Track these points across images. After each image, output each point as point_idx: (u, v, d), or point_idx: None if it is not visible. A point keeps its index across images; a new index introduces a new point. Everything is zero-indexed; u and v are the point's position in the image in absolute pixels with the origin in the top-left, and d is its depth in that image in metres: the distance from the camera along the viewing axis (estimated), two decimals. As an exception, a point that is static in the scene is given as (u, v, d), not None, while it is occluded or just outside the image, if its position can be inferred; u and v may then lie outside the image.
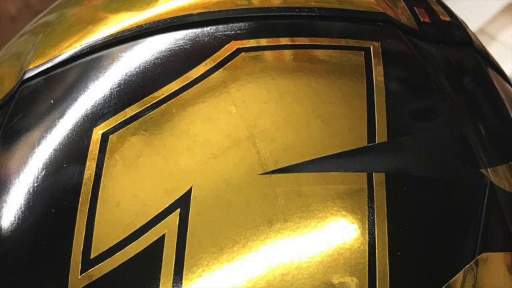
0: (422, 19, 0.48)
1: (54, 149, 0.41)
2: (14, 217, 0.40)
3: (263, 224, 0.37)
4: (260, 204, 0.38)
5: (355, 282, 0.36)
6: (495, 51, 0.60)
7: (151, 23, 0.44)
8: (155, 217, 0.38)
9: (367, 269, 0.37)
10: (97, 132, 0.41)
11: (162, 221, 0.38)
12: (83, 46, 0.44)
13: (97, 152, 0.40)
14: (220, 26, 0.43)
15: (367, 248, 0.37)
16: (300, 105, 0.41)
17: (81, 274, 0.37)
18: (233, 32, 0.43)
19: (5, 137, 0.43)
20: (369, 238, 0.37)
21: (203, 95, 0.41)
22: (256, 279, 0.36)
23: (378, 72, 0.43)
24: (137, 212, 0.38)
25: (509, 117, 0.47)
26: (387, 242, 0.37)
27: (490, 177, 0.41)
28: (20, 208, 0.40)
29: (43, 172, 0.41)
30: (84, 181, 0.39)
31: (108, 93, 0.42)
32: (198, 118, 0.40)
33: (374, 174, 0.39)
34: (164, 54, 0.43)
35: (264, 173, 0.39)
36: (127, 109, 0.41)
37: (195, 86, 0.41)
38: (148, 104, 0.41)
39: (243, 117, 0.40)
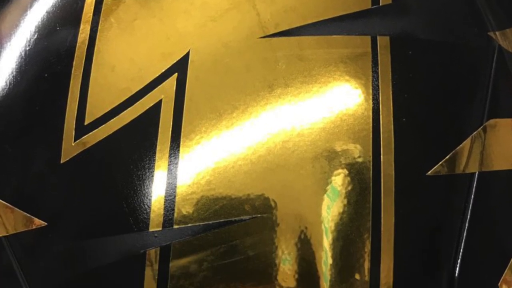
0: None
1: (47, 12, 0.38)
2: (6, 82, 0.37)
3: (264, 89, 0.34)
4: (260, 69, 0.35)
5: (359, 149, 0.34)
6: None
7: None
8: (151, 82, 0.35)
9: (371, 136, 0.34)
10: (92, -7, 0.38)
11: (159, 86, 0.35)
12: None
13: (91, 14, 0.37)
14: None
15: (371, 114, 0.34)
16: (302, -35, 0.37)
17: (74, 141, 0.35)
18: None
19: (-4, 0, 0.40)
20: (373, 103, 0.34)
21: (201, -47, 0.37)
22: (256, 146, 0.34)
23: None
24: (133, 76, 0.35)
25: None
26: (391, 108, 0.34)
27: (498, 40, 0.38)
28: (12, 72, 0.37)
29: (36, 36, 0.38)
30: (78, 44, 0.36)
31: None
32: (196, -22, 0.37)
33: (378, 37, 0.36)
34: None
35: (264, 37, 0.35)
36: (122, -32, 0.38)
37: None
38: (144, -37, 0.38)
39: (242, -23, 0.37)
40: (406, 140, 0.34)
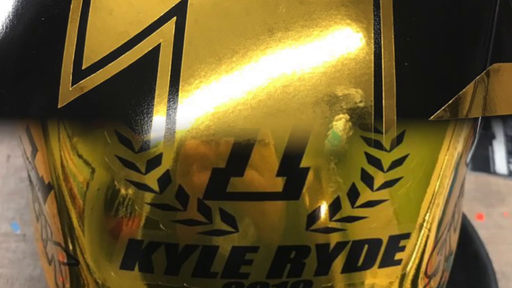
0: None
1: (44, -46, 0.37)
2: (2, 26, 0.35)
3: (264, 33, 0.33)
4: (260, 12, 0.33)
5: (360, 93, 0.32)
6: None
7: None
8: (150, 25, 0.33)
9: (372, 80, 0.33)
10: None
11: (158, 30, 0.33)
12: None
13: None
14: None
15: (372, 58, 0.33)
16: None
17: (72, 85, 0.33)
18: None
19: None
20: (374, 47, 0.33)
21: None
22: (256, 90, 0.32)
23: None
24: (131, 20, 0.34)
25: None
26: (393, 52, 0.33)
27: (502, -17, 0.37)
28: (8, 16, 0.35)
29: (33, -22, 0.36)
30: None
31: None
32: None
33: None
34: None
35: (264, -21, 0.34)
36: None
37: None
38: None
39: None
40: (408, 84, 0.33)
